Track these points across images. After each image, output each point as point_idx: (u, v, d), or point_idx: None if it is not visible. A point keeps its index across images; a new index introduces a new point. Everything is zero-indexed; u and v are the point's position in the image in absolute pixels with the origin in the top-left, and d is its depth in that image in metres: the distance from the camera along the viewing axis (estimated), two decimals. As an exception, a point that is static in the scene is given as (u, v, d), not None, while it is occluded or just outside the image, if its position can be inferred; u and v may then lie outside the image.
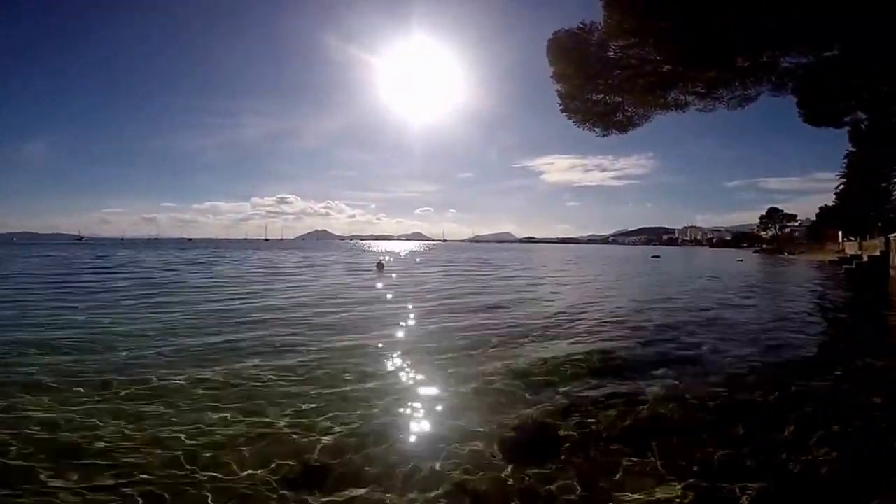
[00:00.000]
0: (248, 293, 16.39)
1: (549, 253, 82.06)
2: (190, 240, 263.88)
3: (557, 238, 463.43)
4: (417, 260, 47.38)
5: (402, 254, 65.16)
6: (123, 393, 5.74)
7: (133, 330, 9.67)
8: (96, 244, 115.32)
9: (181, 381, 6.21)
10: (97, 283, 19.36)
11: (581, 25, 10.42)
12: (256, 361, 7.31)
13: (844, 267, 32.45)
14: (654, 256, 65.85)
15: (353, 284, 21.03)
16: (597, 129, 12.89)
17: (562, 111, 11.97)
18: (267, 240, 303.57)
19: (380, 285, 20.81)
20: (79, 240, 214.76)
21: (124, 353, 7.66)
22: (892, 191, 38.43)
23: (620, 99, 12.33)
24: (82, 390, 5.78)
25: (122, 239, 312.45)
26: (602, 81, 11.40)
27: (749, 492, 3.63)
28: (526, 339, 9.32)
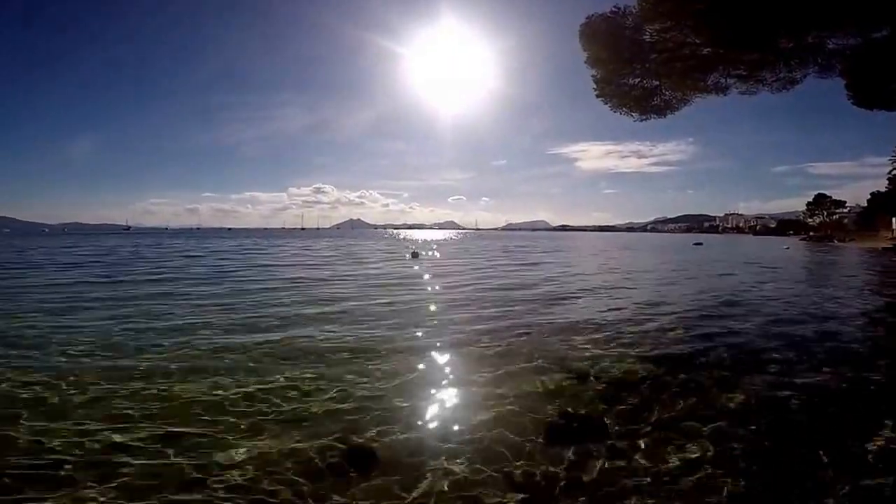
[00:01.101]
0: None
1: (587, 241, 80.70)
2: (229, 229, 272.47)
3: (593, 226, 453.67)
4: (450, 249, 47.64)
5: (435, 243, 65.52)
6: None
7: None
8: (143, 234, 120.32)
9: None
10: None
11: (614, 9, 10.35)
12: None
13: (899, 253, 31.13)
14: (696, 244, 64.72)
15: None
16: (634, 114, 12.75)
17: (597, 96, 11.91)
18: (303, 229, 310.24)
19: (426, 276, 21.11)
20: (126, 230, 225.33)
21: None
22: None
23: (658, 83, 12.16)
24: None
25: (167, 228, 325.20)
26: (638, 65, 11.29)
27: (809, 483, 3.58)
28: (575, 328, 9.35)
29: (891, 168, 49.21)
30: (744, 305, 12.07)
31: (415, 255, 32.03)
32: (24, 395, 5.23)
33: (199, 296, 12.83)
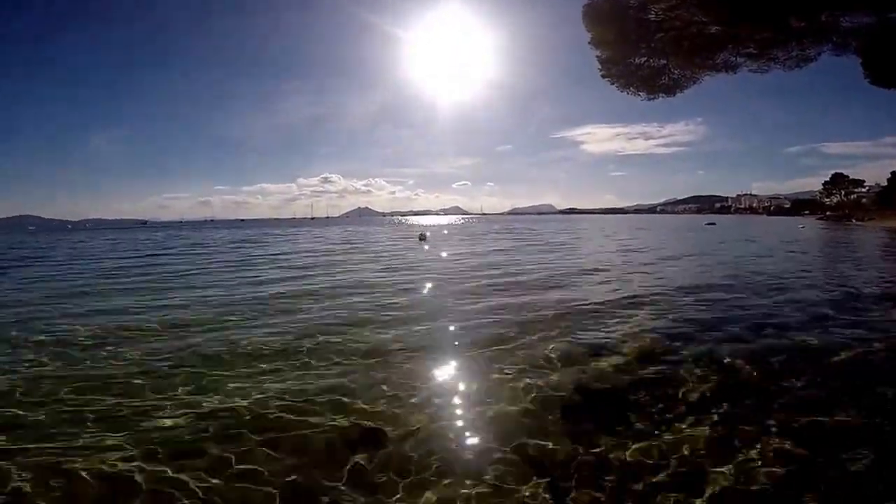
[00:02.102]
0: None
1: (596, 224, 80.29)
2: (243, 220, 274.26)
3: (601, 209, 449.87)
4: (453, 232, 47.75)
5: (442, 228, 65.88)
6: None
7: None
8: (159, 227, 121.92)
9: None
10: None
11: (618, -12, 10.01)
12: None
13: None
14: (708, 224, 65.29)
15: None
16: (641, 94, 12.43)
17: (603, 77, 11.62)
18: (313, 218, 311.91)
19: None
20: (143, 224, 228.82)
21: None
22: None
23: (665, 62, 11.81)
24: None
25: (181, 221, 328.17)
26: (644, 45, 10.97)
27: (847, 457, 3.47)
28: (595, 306, 9.49)
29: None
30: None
31: (422, 238, 36.18)
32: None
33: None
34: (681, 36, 10.51)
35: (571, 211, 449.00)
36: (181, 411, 4.51)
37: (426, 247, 26.75)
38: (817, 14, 10.09)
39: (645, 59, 11.62)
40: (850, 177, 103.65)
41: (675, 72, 12.17)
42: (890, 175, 72.22)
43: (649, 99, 12.78)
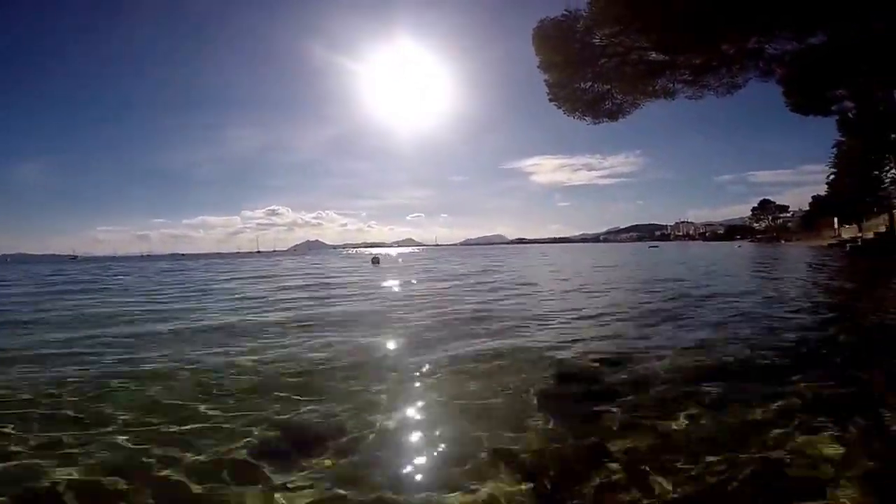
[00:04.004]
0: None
1: (543, 252, 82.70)
2: (182, 255, 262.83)
3: (550, 238, 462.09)
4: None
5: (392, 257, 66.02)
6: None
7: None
8: (91, 262, 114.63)
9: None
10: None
11: (566, 12, 10.43)
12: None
13: (849, 245, 39.06)
14: (651, 247, 71.46)
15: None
16: (587, 118, 12.87)
17: (550, 100, 11.96)
18: (259, 252, 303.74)
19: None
20: (73, 258, 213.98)
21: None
22: (884, 177, 38.97)
23: (609, 87, 12.32)
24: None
25: (115, 256, 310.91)
26: (589, 69, 11.40)
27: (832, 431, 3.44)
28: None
29: (829, 174, 52.62)
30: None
31: (375, 261, 39.57)
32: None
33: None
34: (623, 61, 11.03)
35: (521, 241, 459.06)
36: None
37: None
38: (746, 39, 10.83)
39: (590, 83, 12.08)
40: (777, 203, 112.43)
41: (618, 97, 12.71)
42: (811, 200, 78.74)
43: (594, 123, 13.25)
